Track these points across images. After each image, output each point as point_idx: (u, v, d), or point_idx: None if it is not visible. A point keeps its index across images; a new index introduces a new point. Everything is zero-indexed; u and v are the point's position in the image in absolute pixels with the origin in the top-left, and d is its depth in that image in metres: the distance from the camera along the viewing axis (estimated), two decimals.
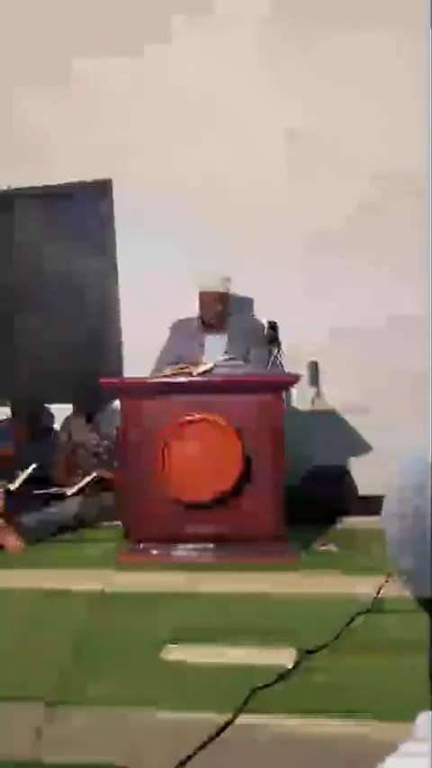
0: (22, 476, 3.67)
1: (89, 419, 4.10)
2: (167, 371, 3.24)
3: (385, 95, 3.93)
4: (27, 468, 3.75)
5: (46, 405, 4.47)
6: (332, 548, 3.17)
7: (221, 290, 3.57)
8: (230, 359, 3.36)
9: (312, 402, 4.09)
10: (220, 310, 3.58)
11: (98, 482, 3.84)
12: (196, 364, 3.26)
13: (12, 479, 3.69)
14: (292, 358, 3.42)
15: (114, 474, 3.76)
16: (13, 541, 3.34)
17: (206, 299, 3.57)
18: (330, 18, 3.99)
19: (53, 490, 3.79)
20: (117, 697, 1.80)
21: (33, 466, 3.71)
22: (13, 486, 3.60)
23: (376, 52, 3.93)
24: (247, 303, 4.00)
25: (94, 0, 4.30)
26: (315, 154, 4.03)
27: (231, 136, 4.16)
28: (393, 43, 3.87)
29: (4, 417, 4.33)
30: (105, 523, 3.71)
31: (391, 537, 0.88)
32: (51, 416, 4.46)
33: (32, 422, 4.25)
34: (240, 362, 3.35)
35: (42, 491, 3.75)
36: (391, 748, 1.25)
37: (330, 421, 4.07)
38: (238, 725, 1.64)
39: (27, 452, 3.99)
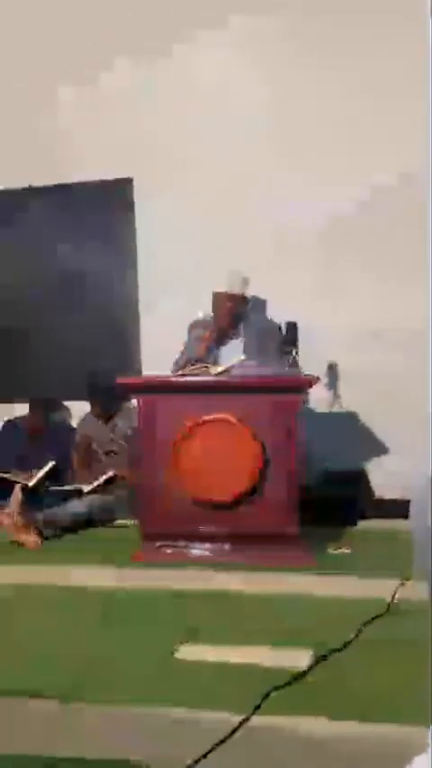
0: (40, 473, 3.70)
1: (106, 418, 4.12)
2: (185, 371, 3.24)
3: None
4: (44, 465, 3.79)
5: (62, 402, 4.50)
6: (346, 550, 3.16)
7: (234, 291, 3.56)
8: (247, 359, 3.35)
9: (330, 404, 4.08)
10: (232, 311, 3.57)
11: (114, 480, 3.86)
12: (213, 365, 3.27)
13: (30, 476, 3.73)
14: (310, 359, 3.42)
15: (130, 472, 3.77)
16: (30, 538, 3.37)
17: (218, 299, 3.58)
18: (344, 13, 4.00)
19: (70, 487, 3.81)
20: (130, 695, 1.81)
21: (51, 463, 3.74)
22: (31, 483, 3.63)
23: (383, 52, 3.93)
24: (261, 304, 4.00)
25: (118, 3, 4.33)
26: (333, 154, 4.02)
27: (249, 137, 4.16)
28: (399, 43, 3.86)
29: (22, 414, 4.37)
30: (121, 521, 3.72)
31: (416, 539, 0.89)
32: (67, 413, 4.49)
33: (48, 419, 4.27)
34: (258, 363, 3.34)
35: (59, 488, 3.78)
36: (407, 750, 1.25)
37: (348, 423, 4.06)
38: (252, 725, 1.65)
39: (43, 449, 4.03)
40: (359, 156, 3.98)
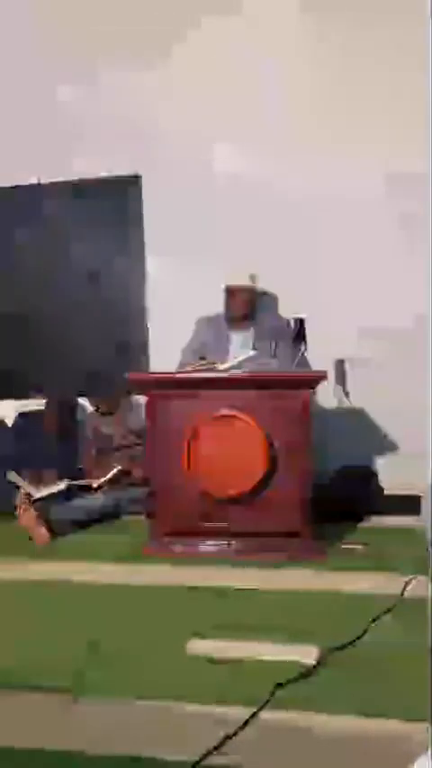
0: (49, 490, 3.67)
1: (110, 413, 4.14)
2: (193, 367, 3.25)
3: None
4: (54, 466, 3.81)
5: (77, 398, 4.52)
6: (358, 546, 3.16)
7: (248, 284, 3.57)
8: (257, 355, 3.35)
9: (339, 401, 4.07)
10: (246, 305, 3.58)
11: (125, 475, 3.87)
12: (222, 360, 3.27)
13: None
14: (318, 355, 3.41)
15: (141, 467, 3.79)
16: (41, 533, 3.39)
17: (232, 293, 3.58)
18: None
19: (80, 482, 3.83)
20: (139, 690, 1.82)
21: (64, 484, 3.72)
22: (37, 495, 3.60)
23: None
24: (272, 300, 3.99)
25: None
26: (344, 150, 4.00)
27: (260, 130, 4.15)
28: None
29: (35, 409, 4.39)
30: (131, 516, 3.74)
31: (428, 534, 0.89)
32: (82, 410, 4.51)
33: (62, 414, 4.29)
34: (267, 359, 3.34)
35: (69, 483, 3.80)
36: (415, 747, 1.26)
37: (357, 420, 4.05)
38: (259, 721, 1.65)
39: (56, 444, 4.05)
40: (363, 155, 3.96)
